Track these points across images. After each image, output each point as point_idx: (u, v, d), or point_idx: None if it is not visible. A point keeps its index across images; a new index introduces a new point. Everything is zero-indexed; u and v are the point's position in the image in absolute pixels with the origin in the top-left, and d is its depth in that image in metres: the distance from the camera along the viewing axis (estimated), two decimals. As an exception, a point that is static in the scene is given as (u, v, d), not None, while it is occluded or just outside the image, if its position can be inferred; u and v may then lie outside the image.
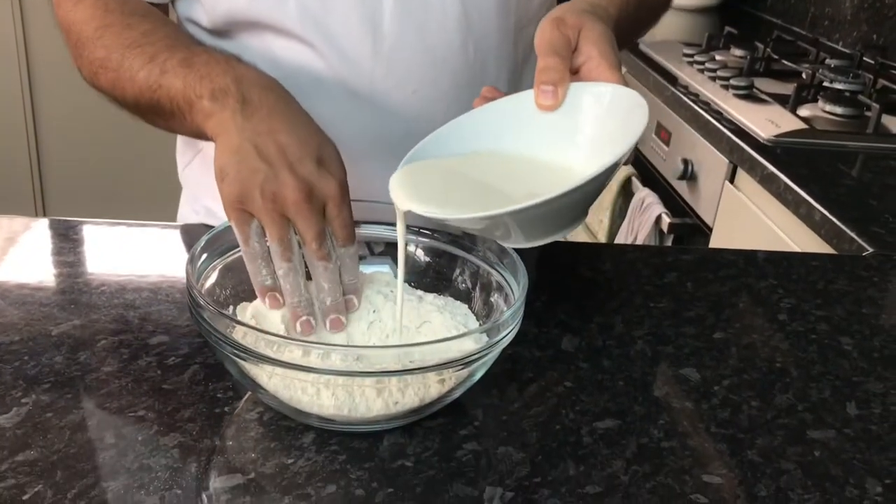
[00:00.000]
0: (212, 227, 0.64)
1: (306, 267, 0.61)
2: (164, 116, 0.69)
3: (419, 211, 0.58)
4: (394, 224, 0.62)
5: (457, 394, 0.59)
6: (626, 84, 0.63)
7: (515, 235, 0.59)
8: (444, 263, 0.70)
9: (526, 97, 0.64)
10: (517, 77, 0.87)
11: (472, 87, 0.82)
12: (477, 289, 0.68)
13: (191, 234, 0.87)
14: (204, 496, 0.52)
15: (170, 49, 0.68)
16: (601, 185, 0.57)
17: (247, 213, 0.59)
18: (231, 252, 0.64)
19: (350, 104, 0.80)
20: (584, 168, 0.60)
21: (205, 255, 0.62)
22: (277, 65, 0.78)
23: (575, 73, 0.65)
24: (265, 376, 0.56)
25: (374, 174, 0.83)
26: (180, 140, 0.96)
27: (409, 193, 0.59)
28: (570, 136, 0.63)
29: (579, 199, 0.57)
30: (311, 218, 0.58)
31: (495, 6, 0.81)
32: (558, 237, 0.60)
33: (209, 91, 0.63)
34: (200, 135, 0.65)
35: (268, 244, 0.59)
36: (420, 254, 0.71)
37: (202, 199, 0.93)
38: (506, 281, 0.65)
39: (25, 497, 0.50)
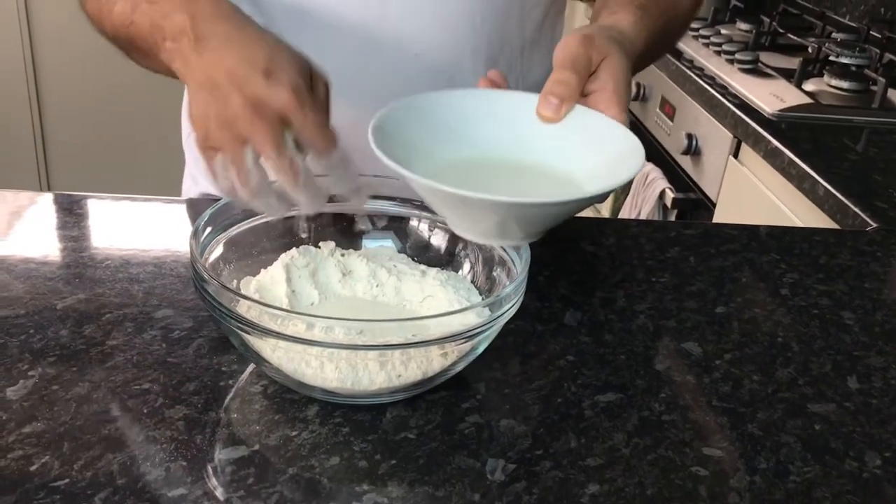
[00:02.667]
0: (216, 200, 0.64)
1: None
2: (141, 54, 0.67)
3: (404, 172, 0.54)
4: (396, 199, 0.62)
5: (459, 367, 0.59)
6: (628, 125, 0.63)
7: (505, 230, 0.58)
8: (447, 238, 0.70)
9: (533, 100, 0.63)
10: (519, 57, 0.87)
11: (476, 59, 0.82)
12: (479, 263, 0.68)
13: (195, 208, 0.87)
14: (209, 468, 0.52)
15: None
16: (586, 206, 0.58)
17: (212, 149, 0.58)
18: (235, 226, 0.65)
19: (352, 60, 0.80)
20: (583, 184, 0.60)
21: (209, 229, 0.62)
22: (278, 14, 0.78)
23: (583, 96, 0.64)
24: (269, 349, 0.56)
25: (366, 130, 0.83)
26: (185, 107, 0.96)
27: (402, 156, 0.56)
28: (572, 151, 0.62)
29: (569, 211, 0.58)
30: (262, 130, 0.56)
31: None
32: (524, 241, 0.60)
33: (170, 32, 0.61)
34: (173, 75, 0.63)
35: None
36: (423, 228, 0.71)
37: (203, 166, 0.93)
38: (508, 255, 0.65)
39: (32, 468, 0.51)
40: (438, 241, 0.70)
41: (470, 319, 0.56)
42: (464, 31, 0.81)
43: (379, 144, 0.56)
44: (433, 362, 0.57)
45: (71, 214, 0.82)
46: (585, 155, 0.62)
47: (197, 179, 0.95)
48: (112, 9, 0.67)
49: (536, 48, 0.90)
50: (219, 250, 0.64)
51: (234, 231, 0.65)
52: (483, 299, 0.66)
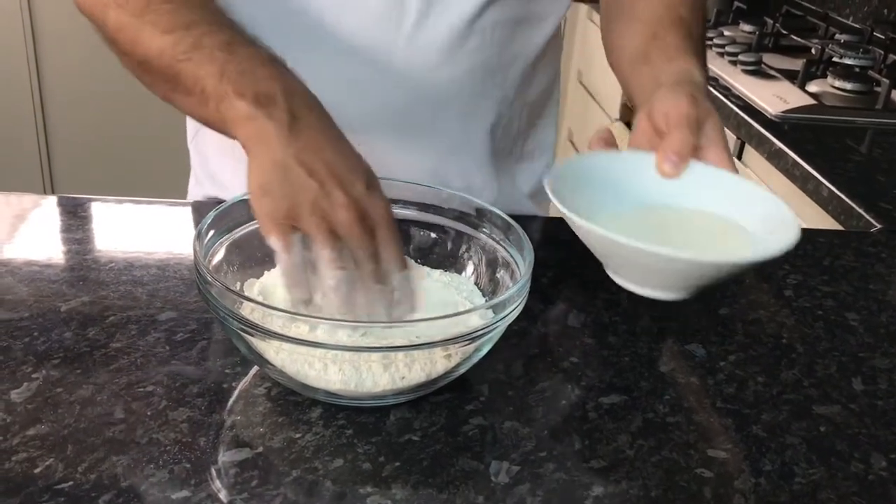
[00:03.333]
0: (220, 202, 0.64)
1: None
2: (178, 90, 0.64)
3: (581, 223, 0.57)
4: (399, 201, 0.62)
5: (463, 369, 0.59)
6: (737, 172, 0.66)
7: (661, 283, 0.60)
8: (451, 240, 0.70)
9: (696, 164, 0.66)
10: (526, 74, 0.88)
11: (485, 73, 0.83)
12: (483, 265, 0.68)
13: (199, 210, 0.87)
14: (213, 470, 0.52)
15: (211, 24, 0.63)
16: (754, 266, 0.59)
17: (289, 227, 0.56)
18: (238, 228, 0.65)
19: (364, 73, 0.80)
20: (747, 245, 0.62)
21: (212, 232, 0.62)
22: (291, 25, 0.78)
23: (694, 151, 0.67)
24: (272, 351, 0.56)
25: (374, 145, 0.84)
26: None
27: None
28: (729, 211, 0.65)
29: (740, 272, 0.61)
30: (363, 237, 0.56)
31: None
32: (686, 296, 0.61)
33: (253, 93, 0.58)
34: (221, 128, 0.62)
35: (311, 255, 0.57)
36: (426, 231, 0.71)
37: (210, 167, 0.93)
38: (512, 257, 0.65)
39: (37, 471, 0.51)
40: (442, 243, 0.70)
41: (473, 321, 0.56)
42: (473, 46, 0.81)
43: (555, 193, 0.59)
44: (437, 364, 0.57)
45: (75, 217, 0.82)
46: (741, 216, 0.64)
47: (202, 181, 0.95)
48: (158, 35, 0.63)
49: (539, 68, 0.90)
50: (222, 253, 0.64)
51: (237, 233, 0.65)
52: (486, 301, 0.66)
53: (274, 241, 0.56)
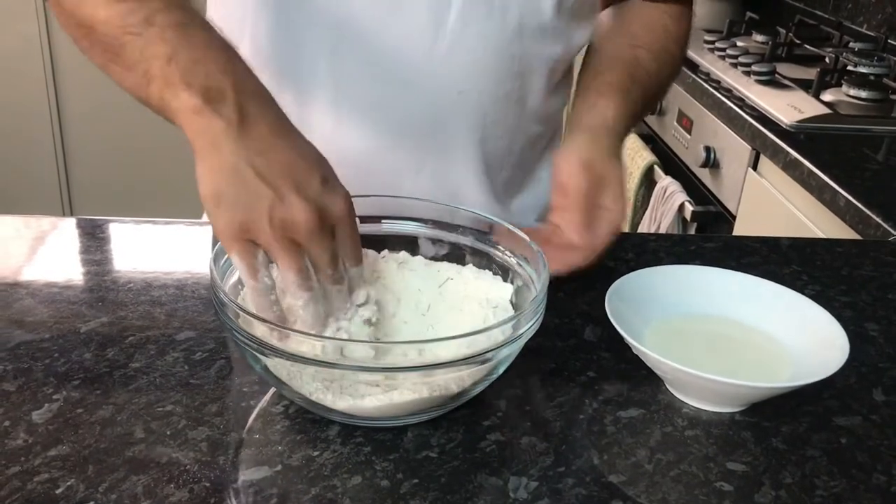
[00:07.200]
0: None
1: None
2: (118, 63, 0.60)
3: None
4: (414, 218, 0.62)
5: (480, 388, 0.59)
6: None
7: (726, 400, 0.62)
8: (465, 256, 0.70)
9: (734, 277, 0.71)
10: (545, 102, 0.89)
11: (509, 100, 0.84)
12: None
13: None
14: (231, 489, 0.52)
15: (167, 0, 0.60)
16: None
17: (250, 243, 0.55)
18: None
19: (395, 93, 0.81)
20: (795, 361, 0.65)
21: (229, 252, 0.63)
22: (331, 33, 0.78)
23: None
24: (285, 373, 0.56)
25: (399, 165, 0.84)
26: None
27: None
28: (777, 326, 0.68)
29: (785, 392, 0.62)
30: (324, 243, 0.55)
31: (548, 30, 0.82)
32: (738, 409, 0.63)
33: (202, 86, 0.56)
34: (160, 111, 0.59)
35: (276, 276, 0.57)
36: (442, 248, 0.71)
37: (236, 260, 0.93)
38: (527, 274, 0.65)
39: (58, 491, 0.51)
40: (458, 259, 0.70)
41: (490, 340, 0.56)
42: (502, 73, 0.82)
43: (612, 313, 0.62)
44: (451, 384, 0.57)
45: (93, 238, 0.83)
46: (790, 332, 0.67)
47: None
48: (105, 3, 0.60)
49: (557, 93, 0.91)
50: (238, 273, 0.64)
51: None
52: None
53: (237, 262, 0.55)
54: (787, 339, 0.67)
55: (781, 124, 1.42)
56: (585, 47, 0.91)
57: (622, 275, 0.68)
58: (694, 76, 1.72)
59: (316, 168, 0.56)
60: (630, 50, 0.86)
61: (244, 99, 0.56)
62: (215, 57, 0.57)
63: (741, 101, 1.54)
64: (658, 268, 0.72)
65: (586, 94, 0.82)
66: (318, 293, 0.57)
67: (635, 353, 0.62)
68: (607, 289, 0.65)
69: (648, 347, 0.60)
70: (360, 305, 0.60)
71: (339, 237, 0.56)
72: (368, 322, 0.61)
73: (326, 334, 0.58)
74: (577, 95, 0.84)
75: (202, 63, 0.57)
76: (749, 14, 2.14)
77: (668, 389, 0.64)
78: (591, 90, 0.82)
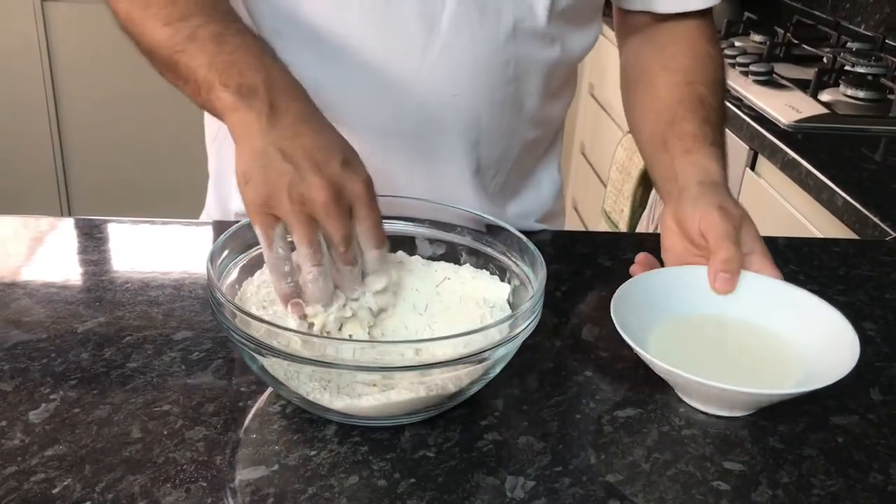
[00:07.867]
0: (235, 222, 0.65)
1: None
2: (178, 79, 0.67)
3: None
4: (411, 218, 0.62)
5: (477, 387, 0.59)
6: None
7: (731, 405, 0.62)
8: (462, 256, 0.70)
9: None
10: (543, 107, 0.88)
11: (505, 104, 0.84)
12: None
13: (213, 230, 0.88)
14: (229, 488, 0.52)
15: (206, 16, 0.66)
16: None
17: (272, 216, 0.58)
18: (251, 249, 0.65)
19: (389, 95, 0.81)
20: (804, 365, 0.64)
21: (225, 252, 0.63)
22: (321, 45, 0.79)
23: None
24: (283, 372, 0.56)
25: (392, 167, 0.84)
26: (207, 115, 0.96)
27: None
28: (785, 326, 0.68)
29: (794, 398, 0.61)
30: (339, 219, 0.58)
31: (543, 35, 0.82)
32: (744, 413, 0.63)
33: (236, 84, 0.61)
34: (214, 115, 0.65)
35: (292, 249, 0.59)
36: (439, 248, 0.71)
37: (227, 175, 0.94)
38: (525, 273, 0.65)
39: (55, 491, 0.51)
40: (455, 259, 0.70)
41: (486, 339, 0.56)
42: (496, 77, 0.82)
43: (617, 317, 0.62)
44: (448, 384, 0.57)
45: (91, 239, 0.83)
46: (798, 332, 0.67)
47: (223, 188, 0.96)
48: (160, 27, 0.67)
49: (557, 100, 0.91)
50: (235, 273, 0.64)
51: (251, 254, 0.65)
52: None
53: (258, 232, 0.59)
54: (794, 337, 0.66)
55: (779, 124, 1.42)
56: (621, 70, 0.90)
57: (620, 274, 0.68)
58: (692, 76, 1.71)
59: (338, 151, 0.60)
60: (689, 88, 0.83)
61: (274, 93, 0.61)
62: (247, 58, 0.63)
63: (739, 101, 1.54)
64: (660, 270, 0.71)
65: (670, 147, 0.79)
66: (328, 269, 0.59)
67: (647, 364, 0.61)
68: (605, 288, 0.65)
69: (655, 352, 0.60)
70: (375, 293, 0.62)
71: (358, 217, 0.59)
72: (371, 311, 0.62)
73: (332, 310, 0.60)
74: (652, 144, 0.82)
75: (236, 65, 0.62)
76: (747, 14, 2.14)
77: (666, 389, 0.64)
78: (675, 144, 0.79)
